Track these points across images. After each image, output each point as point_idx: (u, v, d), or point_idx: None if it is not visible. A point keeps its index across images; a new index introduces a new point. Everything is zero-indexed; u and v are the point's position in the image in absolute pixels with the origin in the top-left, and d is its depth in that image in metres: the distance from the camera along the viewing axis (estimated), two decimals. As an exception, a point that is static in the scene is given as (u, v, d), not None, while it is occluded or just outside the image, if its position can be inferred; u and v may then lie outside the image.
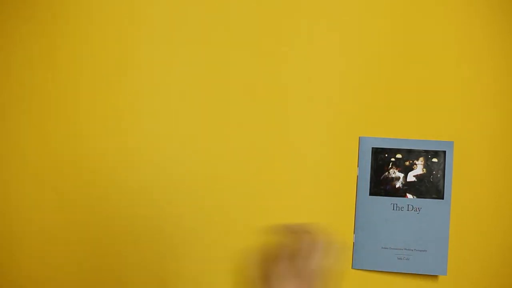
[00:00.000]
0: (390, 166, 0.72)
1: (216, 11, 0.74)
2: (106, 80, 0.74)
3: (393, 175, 0.72)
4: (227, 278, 0.72)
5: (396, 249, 0.70)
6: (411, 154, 0.71)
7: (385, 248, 0.71)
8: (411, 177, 0.71)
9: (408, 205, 0.71)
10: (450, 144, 0.71)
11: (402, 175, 0.72)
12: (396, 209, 0.71)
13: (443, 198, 0.70)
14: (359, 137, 0.73)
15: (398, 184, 0.72)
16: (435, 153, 0.71)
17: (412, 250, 0.70)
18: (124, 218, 0.72)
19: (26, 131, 0.73)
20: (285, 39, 0.74)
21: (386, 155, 0.72)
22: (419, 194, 0.71)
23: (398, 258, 0.70)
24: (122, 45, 0.74)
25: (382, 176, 0.72)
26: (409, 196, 0.71)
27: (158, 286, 0.72)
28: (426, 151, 0.71)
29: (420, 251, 0.70)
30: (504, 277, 0.71)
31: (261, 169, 0.73)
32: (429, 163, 0.71)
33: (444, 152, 0.71)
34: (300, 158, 0.73)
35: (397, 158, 0.72)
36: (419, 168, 0.71)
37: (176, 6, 0.74)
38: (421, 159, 0.71)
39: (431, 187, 0.71)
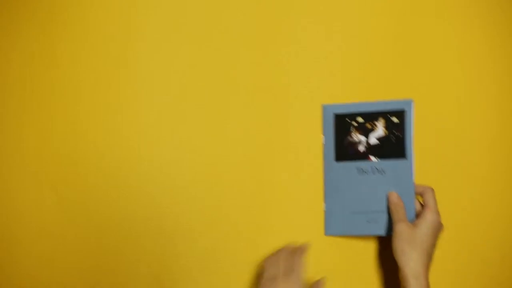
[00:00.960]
0: (352, 131, 0.72)
1: (216, 11, 0.74)
2: (106, 79, 0.74)
3: (356, 139, 0.71)
4: (227, 278, 0.72)
5: (365, 212, 0.70)
6: (371, 117, 0.71)
7: (354, 212, 0.71)
8: (373, 140, 0.71)
9: (372, 167, 0.71)
10: (409, 102, 0.70)
11: (365, 138, 0.71)
12: (362, 173, 0.71)
13: (405, 158, 0.69)
14: (322, 105, 0.73)
15: (361, 148, 0.71)
16: (395, 113, 0.70)
17: (379, 212, 0.70)
18: (124, 218, 0.72)
19: (26, 131, 0.73)
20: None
21: (348, 120, 0.72)
22: (382, 155, 0.70)
23: (367, 222, 0.70)
24: (122, 44, 0.74)
25: (346, 141, 0.72)
26: (373, 158, 0.71)
27: (158, 286, 0.72)
28: (386, 112, 0.70)
29: (388, 212, 0.69)
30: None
31: (260, 168, 0.73)
32: (389, 124, 0.70)
33: (403, 111, 0.70)
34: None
35: (358, 122, 0.71)
36: (380, 129, 0.71)
37: (176, 6, 0.74)
38: (381, 120, 0.71)
39: (392, 147, 0.70)
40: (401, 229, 0.65)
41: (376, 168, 0.70)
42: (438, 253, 0.72)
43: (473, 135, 0.73)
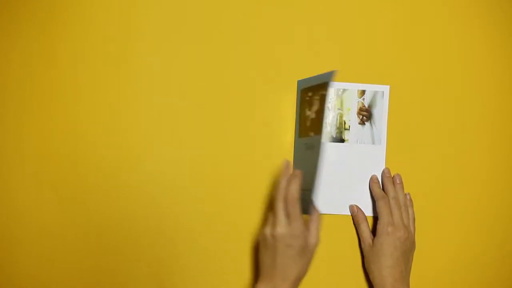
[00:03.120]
0: (306, 105, 0.71)
1: (216, 11, 0.74)
2: (106, 79, 0.74)
3: (308, 114, 0.71)
4: (227, 278, 0.72)
5: (302, 190, 0.66)
6: (315, 90, 0.70)
7: (301, 189, 0.67)
8: (313, 114, 0.70)
9: (309, 143, 0.69)
10: (332, 73, 0.68)
11: (310, 112, 0.71)
12: (307, 149, 0.69)
13: (320, 134, 0.67)
14: (297, 81, 0.73)
15: (308, 123, 0.70)
16: (324, 85, 0.68)
17: (305, 190, 0.67)
18: (124, 218, 0.72)
19: (26, 131, 0.73)
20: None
21: (304, 94, 0.71)
22: (316, 131, 0.68)
23: (300, 199, 0.66)
24: (122, 45, 0.74)
25: (303, 117, 0.71)
26: (311, 134, 0.69)
27: (158, 286, 0.72)
28: (322, 85, 0.69)
29: (310, 190, 0.67)
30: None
31: (260, 169, 0.73)
32: (322, 97, 0.69)
33: (326, 83, 0.68)
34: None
35: (309, 96, 0.70)
36: (316, 103, 0.70)
37: (176, 6, 0.74)
38: (318, 93, 0.70)
39: (320, 122, 0.68)
40: (364, 251, 0.70)
41: (311, 144, 0.69)
42: (437, 254, 0.72)
43: (473, 135, 0.74)
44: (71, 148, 0.73)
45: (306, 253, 0.64)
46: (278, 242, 0.63)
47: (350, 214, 0.72)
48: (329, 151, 0.72)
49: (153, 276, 0.72)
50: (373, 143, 0.72)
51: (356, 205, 0.71)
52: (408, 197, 0.72)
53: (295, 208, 0.64)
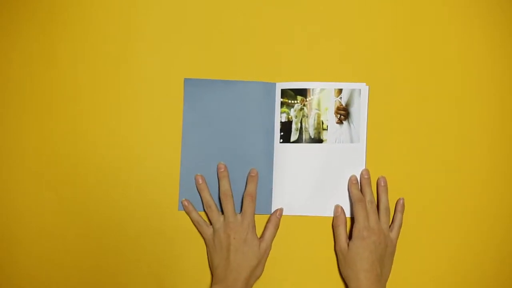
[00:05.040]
0: None
1: (216, 11, 0.74)
2: (106, 79, 0.74)
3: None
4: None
5: None
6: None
7: None
8: None
9: None
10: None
11: None
12: None
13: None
14: (275, 84, 0.73)
15: None
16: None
17: None
18: (124, 218, 0.72)
19: (26, 131, 0.73)
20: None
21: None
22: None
23: None
24: (122, 45, 0.74)
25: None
26: None
27: (158, 286, 0.72)
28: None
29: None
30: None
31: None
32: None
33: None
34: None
35: None
36: None
37: (176, 6, 0.74)
38: None
39: None
40: (339, 254, 0.69)
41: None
42: (436, 253, 0.72)
43: (473, 135, 0.74)
44: (71, 148, 0.73)
45: (257, 254, 0.68)
46: (232, 239, 0.67)
47: (329, 215, 0.71)
48: (308, 152, 0.71)
49: (153, 276, 0.72)
50: (352, 141, 0.71)
51: (341, 206, 0.71)
52: (401, 201, 0.71)
53: (250, 206, 0.69)
